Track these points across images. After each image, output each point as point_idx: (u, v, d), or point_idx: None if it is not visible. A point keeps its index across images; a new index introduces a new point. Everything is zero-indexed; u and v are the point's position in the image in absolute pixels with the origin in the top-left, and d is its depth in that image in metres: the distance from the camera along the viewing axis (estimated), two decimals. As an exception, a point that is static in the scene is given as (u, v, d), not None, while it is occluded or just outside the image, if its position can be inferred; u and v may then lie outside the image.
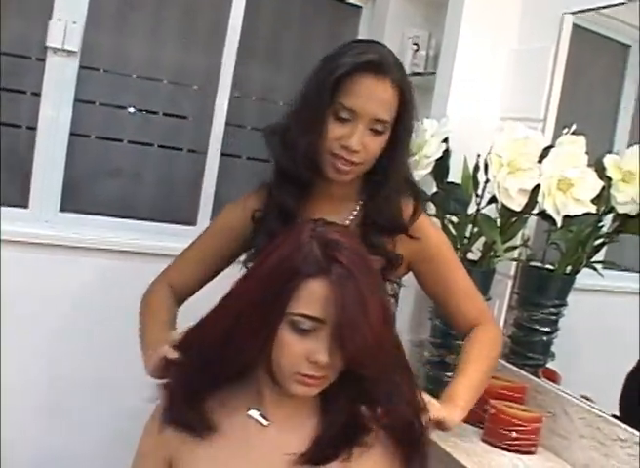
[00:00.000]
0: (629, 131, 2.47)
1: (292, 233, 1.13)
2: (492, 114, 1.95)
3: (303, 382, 1.08)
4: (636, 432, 1.51)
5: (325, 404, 1.17)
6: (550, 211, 1.53)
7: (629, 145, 1.77)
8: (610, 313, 2.12)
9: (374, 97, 1.28)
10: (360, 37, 2.37)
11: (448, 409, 1.30)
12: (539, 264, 1.82)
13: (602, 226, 1.76)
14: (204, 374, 1.14)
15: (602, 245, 1.77)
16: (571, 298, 1.85)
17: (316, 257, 1.06)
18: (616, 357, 1.90)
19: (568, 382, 1.80)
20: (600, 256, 1.97)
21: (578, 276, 1.83)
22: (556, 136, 1.80)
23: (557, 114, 2.21)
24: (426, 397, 1.22)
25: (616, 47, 2.59)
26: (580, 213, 1.54)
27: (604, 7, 1.86)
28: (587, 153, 1.66)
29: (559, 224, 1.54)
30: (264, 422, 1.15)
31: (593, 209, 1.56)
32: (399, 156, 1.36)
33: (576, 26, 2.15)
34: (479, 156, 1.65)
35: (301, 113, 1.32)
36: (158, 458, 1.18)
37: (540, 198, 1.53)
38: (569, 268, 1.78)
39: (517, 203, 1.55)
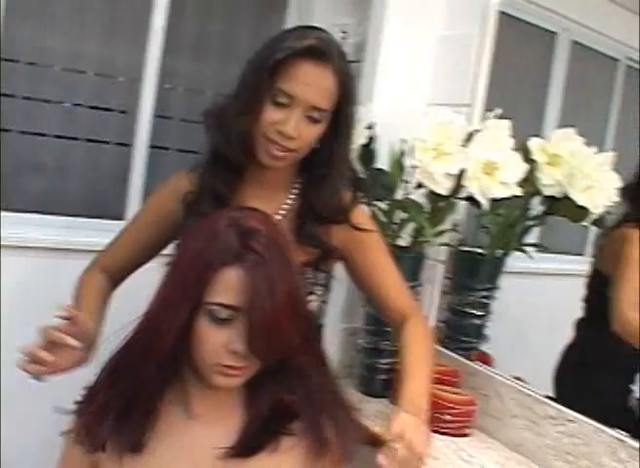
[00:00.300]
0: (558, 116, 2.52)
1: (208, 222, 1.13)
2: (420, 100, 1.96)
3: (224, 373, 1.08)
4: (565, 409, 1.55)
5: (250, 395, 1.17)
6: (476, 194, 1.54)
7: (558, 130, 1.81)
8: (542, 295, 2.16)
9: (313, 83, 1.27)
10: (288, 26, 2.35)
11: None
12: (469, 248, 1.83)
13: (530, 209, 1.80)
14: (131, 380, 1.12)
15: (530, 228, 1.80)
16: (504, 282, 1.88)
17: (232, 246, 1.05)
18: (548, 338, 1.94)
19: (501, 364, 1.83)
20: (535, 240, 2.01)
21: (511, 259, 1.86)
22: (485, 121, 1.82)
23: (486, 100, 2.24)
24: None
25: (543, 34, 2.64)
26: (505, 195, 1.56)
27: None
28: (516, 138, 1.68)
29: (485, 207, 1.56)
30: None
31: (519, 191, 1.58)
32: (341, 146, 1.36)
33: (503, 14, 2.18)
34: (405, 141, 1.66)
35: (240, 96, 1.31)
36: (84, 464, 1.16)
37: (465, 182, 1.54)
38: (499, 252, 1.80)
39: (443, 187, 1.56)
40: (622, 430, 1.75)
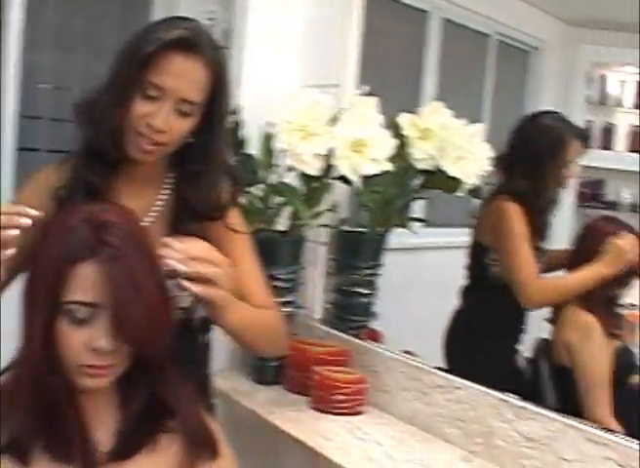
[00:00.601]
0: (434, 93, 2.57)
1: (63, 217, 1.08)
2: (290, 83, 1.94)
3: (90, 374, 1.03)
4: (452, 377, 1.58)
5: (123, 394, 1.13)
6: (346, 172, 1.54)
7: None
8: (429, 268, 2.20)
9: (183, 75, 1.23)
10: (154, 15, 2.29)
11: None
12: (350, 228, 1.84)
13: (408, 185, 1.81)
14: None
15: (409, 203, 1.82)
16: (391, 258, 1.90)
17: (85, 241, 1.01)
18: (437, 310, 1.98)
19: (392, 340, 1.85)
20: (420, 214, 2.04)
21: (396, 236, 1.88)
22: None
23: (361, 79, 2.25)
24: None
25: (415, 13, 2.68)
26: (376, 172, 1.57)
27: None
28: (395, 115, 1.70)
29: (356, 185, 1.56)
30: None
31: (389, 167, 1.59)
32: (215, 139, 1.32)
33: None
34: (272, 125, 1.64)
35: (109, 89, 1.25)
36: None
37: (335, 161, 1.54)
38: (380, 229, 1.81)
39: (313, 168, 1.56)
40: (513, 391, 1.81)
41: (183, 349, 1.16)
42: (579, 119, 2.98)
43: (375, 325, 1.86)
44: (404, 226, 1.83)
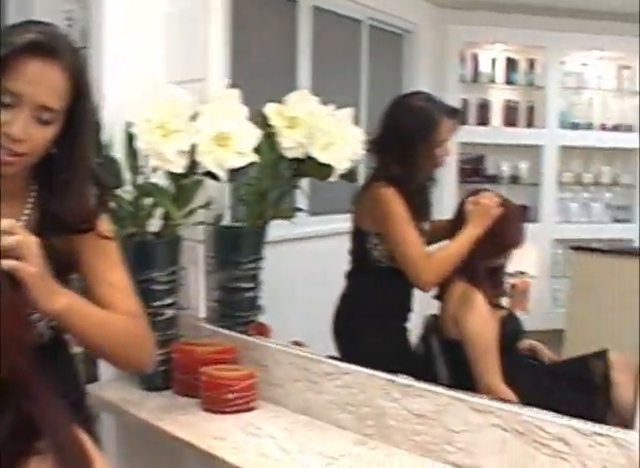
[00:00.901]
0: (309, 81, 2.56)
1: None
2: (154, 81, 1.89)
3: None
4: (339, 363, 1.58)
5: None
6: (212, 167, 1.51)
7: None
8: (315, 257, 2.20)
9: (40, 81, 1.15)
10: (8, 16, 2.18)
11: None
12: (229, 224, 1.81)
13: (282, 175, 1.80)
14: None
15: (284, 194, 1.80)
16: (275, 250, 1.88)
17: None
18: (326, 298, 1.98)
19: (281, 332, 1.83)
20: (304, 204, 2.03)
21: (279, 228, 1.86)
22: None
23: (232, 72, 2.22)
24: None
25: (284, 2, 2.66)
26: (242, 164, 1.54)
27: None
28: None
29: (224, 179, 1.53)
30: None
31: (255, 158, 1.56)
32: (81, 147, 1.24)
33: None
34: (131, 124, 1.59)
35: None
36: None
37: (199, 157, 1.50)
38: (259, 222, 1.79)
39: (177, 166, 1.52)
40: (407, 369, 1.83)
41: (47, 366, 1.10)
42: (454, 97, 3.05)
43: (263, 318, 1.84)
44: (282, 217, 1.81)
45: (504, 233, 1.81)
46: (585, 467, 1.23)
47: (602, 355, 1.90)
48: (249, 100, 1.73)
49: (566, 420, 1.27)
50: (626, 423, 1.21)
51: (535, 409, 1.33)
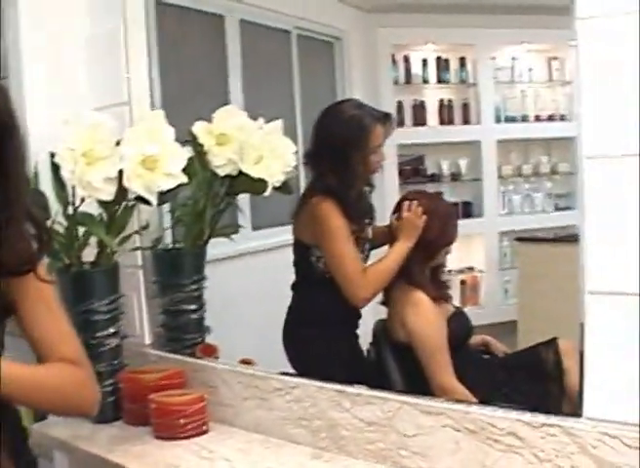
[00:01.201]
0: (241, 96, 2.54)
1: None
2: (79, 107, 1.85)
3: None
4: (286, 378, 1.56)
5: None
6: (141, 192, 1.48)
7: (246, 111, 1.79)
8: (260, 272, 2.18)
9: None
10: None
11: None
12: (167, 246, 1.79)
13: (217, 193, 1.77)
14: None
15: (221, 211, 1.78)
16: (219, 268, 1.86)
17: None
18: (274, 311, 1.96)
19: (230, 350, 1.81)
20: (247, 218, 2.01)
21: (222, 244, 1.84)
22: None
23: (162, 92, 2.19)
24: None
25: (211, 18, 2.65)
26: (173, 186, 1.52)
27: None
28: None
29: (154, 203, 1.50)
30: None
31: (185, 179, 1.54)
32: (15, 188, 1.18)
33: (162, 4, 2.14)
34: (54, 155, 1.55)
35: None
36: None
37: (127, 182, 1.47)
38: (198, 242, 1.76)
39: (106, 193, 1.48)
40: (361, 377, 1.83)
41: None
42: (389, 100, 3.08)
43: (211, 338, 1.81)
44: (221, 235, 1.79)
45: (436, 233, 1.82)
46: (538, 459, 1.24)
47: (552, 343, 1.92)
48: (181, 120, 1.71)
49: (515, 414, 1.27)
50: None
51: (484, 406, 1.33)
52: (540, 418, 1.24)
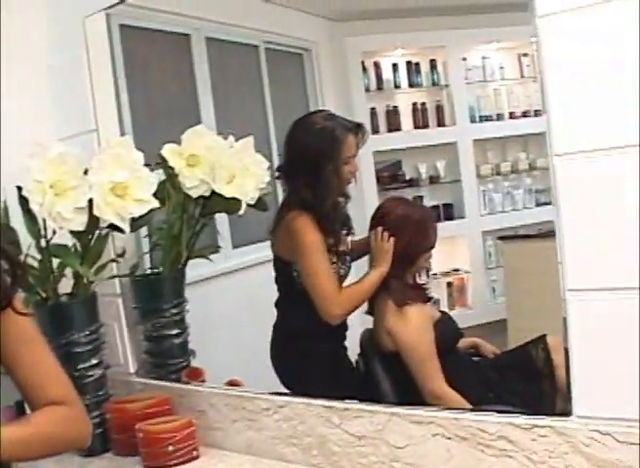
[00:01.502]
0: (213, 114, 2.53)
1: None
2: (46, 138, 1.82)
3: None
4: (273, 397, 1.55)
5: None
6: (113, 220, 1.46)
7: (219, 131, 1.78)
8: (243, 290, 2.16)
9: None
10: None
11: None
12: (144, 272, 1.77)
13: (192, 215, 1.76)
14: None
15: (197, 233, 1.76)
16: (200, 289, 1.85)
17: None
18: (258, 329, 1.94)
19: (216, 373, 1.79)
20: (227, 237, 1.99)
21: (202, 265, 1.82)
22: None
23: (133, 117, 2.17)
24: None
25: (177, 38, 2.63)
26: (145, 212, 1.50)
27: (117, 4, 1.80)
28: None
29: (127, 230, 1.49)
30: None
31: (156, 204, 1.53)
32: None
33: (125, 26, 2.13)
34: (20, 188, 1.53)
35: None
36: None
37: (97, 211, 1.45)
38: (176, 265, 1.74)
39: (77, 223, 1.47)
40: (351, 390, 1.81)
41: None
42: (362, 108, 3.07)
43: (196, 362, 1.79)
44: (200, 256, 1.78)
45: (411, 240, 1.81)
46: (532, 461, 1.23)
47: (541, 340, 1.91)
48: (153, 143, 1.70)
49: (505, 418, 1.26)
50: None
51: (474, 411, 1.32)
52: (531, 420, 1.22)
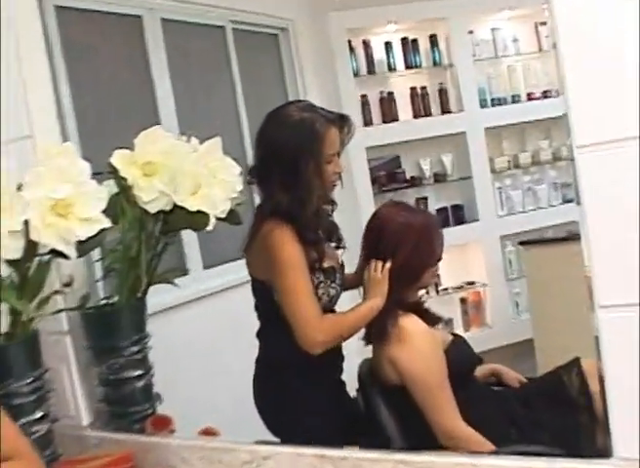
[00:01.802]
0: (174, 105, 2.52)
1: None
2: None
3: None
4: (255, 447, 1.54)
5: None
6: (55, 244, 1.44)
7: (182, 131, 1.77)
8: (215, 317, 2.15)
9: None
10: None
11: None
12: (97, 303, 1.75)
13: (152, 234, 1.74)
14: None
15: (158, 254, 1.75)
16: (164, 320, 1.83)
17: None
18: (238, 366, 1.93)
19: (188, 420, 1.77)
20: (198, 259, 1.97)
21: (166, 292, 1.81)
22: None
23: (76, 116, 2.16)
24: None
25: (126, 21, 2.63)
26: (94, 233, 1.48)
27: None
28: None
29: (73, 256, 1.47)
30: None
31: (108, 222, 1.51)
32: None
33: (60, 7, 2.13)
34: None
35: None
36: None
37: (34, 234, 1.44)
38: (135, 294, 1.73)
39: (12, 250, 1.45)
40: (349, 431, 1.80)
41: None
42: (351, 95, 3.07)
43: (162, 408, 1.78)
44: (163, 281, 1.76)
45: (413, 254, 1.82)
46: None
47: (574, 364, 1.91)
48: (103, 149, 1.68)
49: (529, 462, 1.26)
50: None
51: (495, 456, 1.32)
52: (561, 464, 1.21)
